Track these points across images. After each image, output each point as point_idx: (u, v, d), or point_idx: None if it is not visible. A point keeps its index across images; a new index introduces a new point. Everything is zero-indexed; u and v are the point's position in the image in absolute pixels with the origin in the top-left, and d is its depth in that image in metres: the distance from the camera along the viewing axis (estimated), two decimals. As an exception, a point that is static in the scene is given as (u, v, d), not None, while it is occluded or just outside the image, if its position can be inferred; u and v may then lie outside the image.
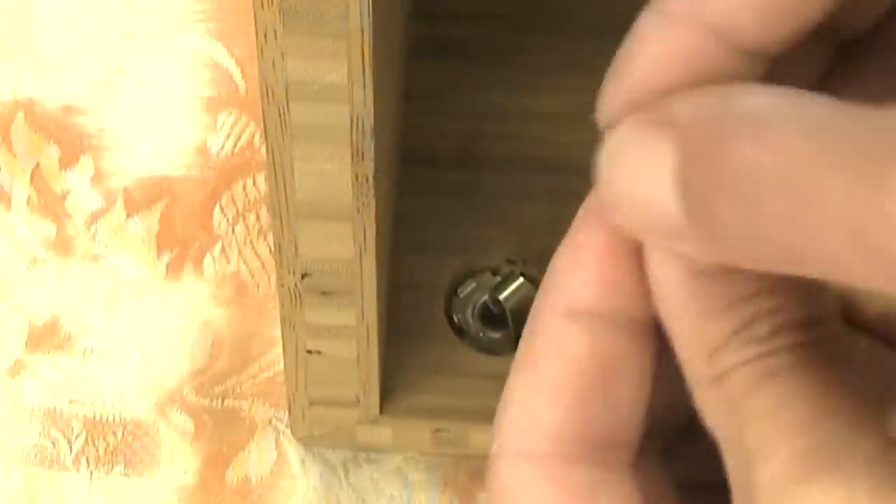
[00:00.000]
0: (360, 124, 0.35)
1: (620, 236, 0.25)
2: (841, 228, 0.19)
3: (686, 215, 0.22)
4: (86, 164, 0.59)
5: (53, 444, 0.54)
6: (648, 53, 0.25)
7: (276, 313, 0.50)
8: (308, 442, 0.54)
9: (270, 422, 0.55)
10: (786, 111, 0.21)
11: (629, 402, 0.26)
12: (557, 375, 0.25)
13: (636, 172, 0.22)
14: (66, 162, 0.59)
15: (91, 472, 0.54)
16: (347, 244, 0.40)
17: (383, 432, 0.52)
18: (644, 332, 0.25)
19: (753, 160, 0.20)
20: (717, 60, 0.24)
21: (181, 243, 0.58)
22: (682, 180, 0.22)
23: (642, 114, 0.23)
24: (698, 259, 0.23)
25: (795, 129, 0.20)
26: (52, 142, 0.59)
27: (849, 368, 0.23)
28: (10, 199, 0.58)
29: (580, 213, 0.26)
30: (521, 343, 0.26)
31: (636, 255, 0.25)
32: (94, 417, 0.54)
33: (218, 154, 0.59)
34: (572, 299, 0.25)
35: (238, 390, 0.55)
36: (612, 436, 0.26)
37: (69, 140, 0.60)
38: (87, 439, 0.54)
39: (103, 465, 0.54)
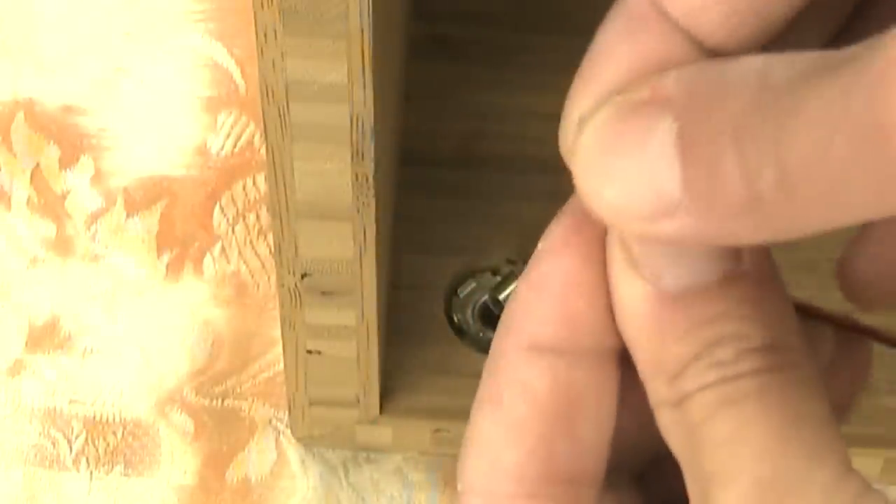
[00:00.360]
0: (360, 124, 0.35)
1: (581, 268, 0.25)
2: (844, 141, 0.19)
3: (684, 185, 0.21)
4: (86, 164, 0.59)
5: (53, 444, 0.54)
6: (615, 56, 0.24)
7: (276, 313, 0.50)
8: (308, 442, 0.54)
9: (270, 422, 0.55)
10: (776, 64, 0.20)
11: (594, 435, 0.26)
12: (521, 415, 0.25)
13: (626, 150, 0.22)
14: (66, 162, 0.59)
15: (91, 472, 0.54)
16: (347, 244, 0.40)
17: (383, 432, 0.52)
18: (608, 363, 0.25)
19: (751, 106, 0.20)
20: (684, 60, 0.23)
21: (181, 243, 0.58)
22: (681, 147, 0.21)
23: (619, 96, 0.23)
24: (688, 239, 0.22)
25: (788, 71, 0.20)
26: (52, 142, 0.59)
27: (809, 395, 0.23)
28: (10, 199, 0.58)
29: (539, 246, 0.25)
30: (484, 378, 0.26)
31: (597, 287, 0.24)
32: (94, 417, 0.54)
33: (218, 154, 0.59)
34: (534, 336, 0.25)
35: (238, 390, 0.55)
36: (577, 470, 0.26)
37: (69, 140, 0.60)
38: (87, 439, 0.54)
39: (103, 465, 0.54)
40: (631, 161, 0.22)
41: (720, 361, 0.23)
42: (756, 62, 0.21)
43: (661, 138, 0.21)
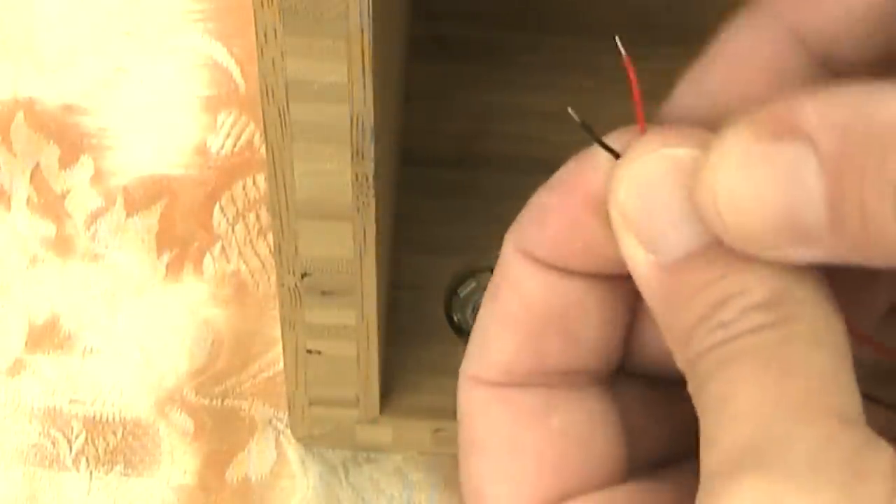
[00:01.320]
0: (360, 124, 0.35)
1: (586, 206, 0.25)
2: None
3: (831, 226, 0.22)
4: (86, 163, 0.59)
5: (53, 443, 0.54)
6: (729, 56, 0.25)
7: (276, 313, 0.50)
8: (308, 442, 0.54)
9: (270, 422, 0.55)
10: None
11: (593, 335, 0.26)
12: (512, 311, 0.26)
13: (766, 180, 0.22)
14: (66, 162, 0.59)
15: (91, 472, 0.54)
16: (347, 244, 0.40)
17: (383, 432, 0.52)
18: (610, 280, 0.26)
19: None
20: (799, 69, 0.24)
21: (181, 243, 0.58)
22: (830, 189, 0.21)
23: (755, 124, 0.22)
24: (818, 263, 0.23)
25: None
26: (52, 141, 0.59)
27: (810, 348, 0.23)
28: (10, 199, 0.58)
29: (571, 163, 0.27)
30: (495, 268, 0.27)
31: (599, 223, 0.25)
32: (94, 417, 0.54)
33: (218, 154, 0.59)
34: (532, 246, 0.26)
35: (238, 390, 0.55)
36: (571, 367, 0.26)
37: (69, 140, 0.60)
38: (87, 439, 0.54)
39: (103, 465, 0.54)
40: (771, 191, 0.22)
41: (722, 322, 0.23)
42: None
43: (806, 175, 0.22)
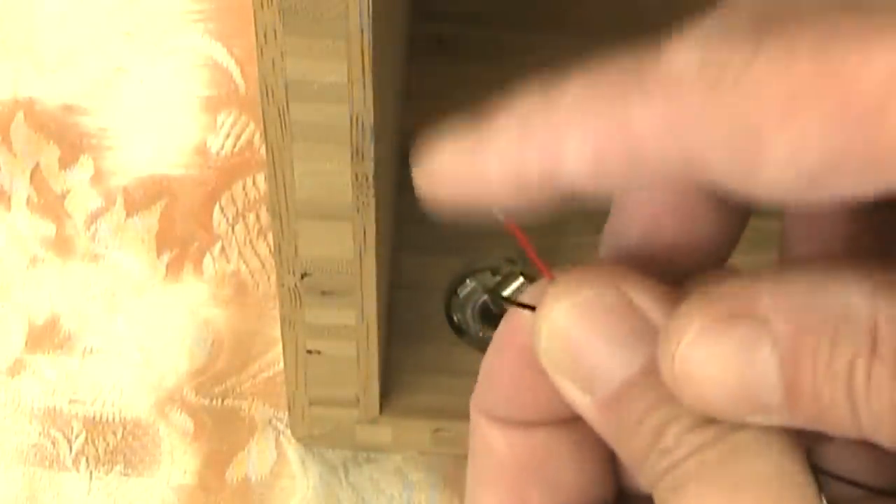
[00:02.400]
0: (359, 124, 0.35)
1: (524, 364, 0.26)
2: None
3: (787, 401, 0.23)
4: (86, 163, 0.59)
5: (53, 443, 0.54)
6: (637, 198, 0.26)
7: (276, 313, 0.50)
8: (308, 442, 0.54)
9: (270, 422, 0.55)
10: (885, 309, 0.22)
11: (574, 480, 0.27)
12: (488, 471, 0.27)
13: (725, 358, 0.23)
14: (66, 162, 0.59)
15: (91, 472, 0.54)
16: (347, 244, 0.40)
17: (383, 432, 0.52)
18: (565, 425, 0.27)
19: (863, 367, 0.22)
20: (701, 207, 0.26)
21: (181, 243, 0.58)
22: (786, 370, 0.23)
23: (712, 302, 0.24)
24: (784, 425, 0.24)
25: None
26: (52, 141, 0.59)
27: (752, 457, 0.23)
28: (10, 199, 0.58)
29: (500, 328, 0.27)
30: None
31: (538, 377, 0.26)
32: (94, 417, 0.54)
33: (218, 154, 0.59)
34: (488, 408, 0.27)
35: (238, 390, 0.55)
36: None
37: (69, 140, 0.60)
38: (87, 439, 0.54)
39: (103, 465, 0.54)
40: (728, 367, 0.23)
41: (666, 449, 0.24)
42: (865, 307, 0.22)
43: (760, 354, 0.23)
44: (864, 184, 0.22)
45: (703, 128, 0.23)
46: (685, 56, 0.23)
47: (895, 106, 0.22)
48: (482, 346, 0.52)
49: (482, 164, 0.25)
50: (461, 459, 0.54)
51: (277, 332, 0.54)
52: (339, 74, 0.33)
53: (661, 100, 0.23)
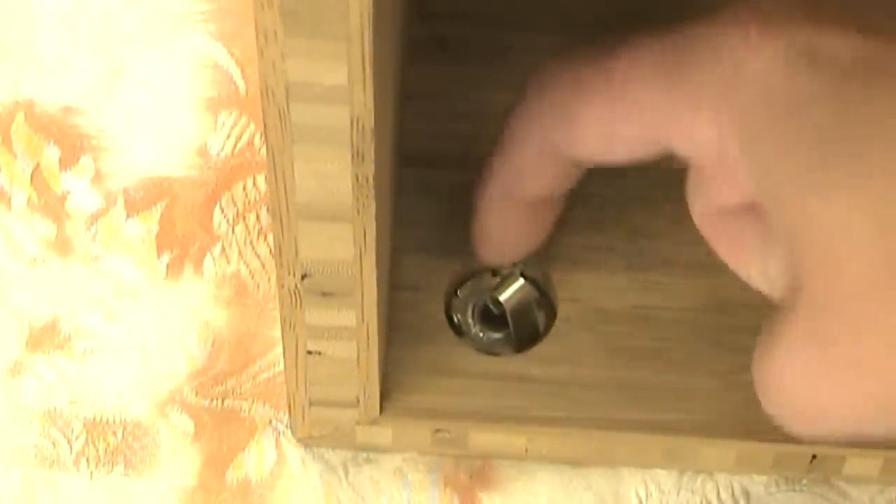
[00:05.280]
0: (360, 126, 0.35)
1: None
2: None
3: None
4: (86, 164, 0.59)
5: (53, 444, 0.54)
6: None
7: (277, 314, 0.50)
8: (308, 442, 0.54)
9: (270, 422, 0.55)
10: None
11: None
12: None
13: None
14: (66, 162, 0.59)
15: (91, 473, 0.54)
16: (347, 245, 0.40)
17: (383, 432, 0.52)
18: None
19: None
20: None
21: (181, 244, 0.58)
22: None
23: None
24: None
25: None
26: (52, 142, 0.60)
27: None
28: (9, 200, 0.58)
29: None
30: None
31: None
32: (95, 418, 0.54)
33: (218, 154, 0.59)
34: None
35: (238, 391, 0.55)
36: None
37: (69, 141, 0.60)
38: (87, 440, 0.54)
39: (103, 466, 0.54)
40: None
41: None
42: None
43: None
44: None
45: None
46: None
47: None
48: (482, 346, 0.52)
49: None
50: (461, 459, 0.54)
51: (278, 333, 0.54)
52: (340, 76, 0.33)
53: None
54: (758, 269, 0.34)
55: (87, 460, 0.54)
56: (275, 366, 0.55)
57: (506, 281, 0.52)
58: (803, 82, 0.29)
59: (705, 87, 0.32)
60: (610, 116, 0.36)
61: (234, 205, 0.58)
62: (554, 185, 0.42)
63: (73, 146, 0.60)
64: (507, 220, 0.45)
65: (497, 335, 0.52)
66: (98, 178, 0.59)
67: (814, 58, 0.29)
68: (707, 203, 0.35)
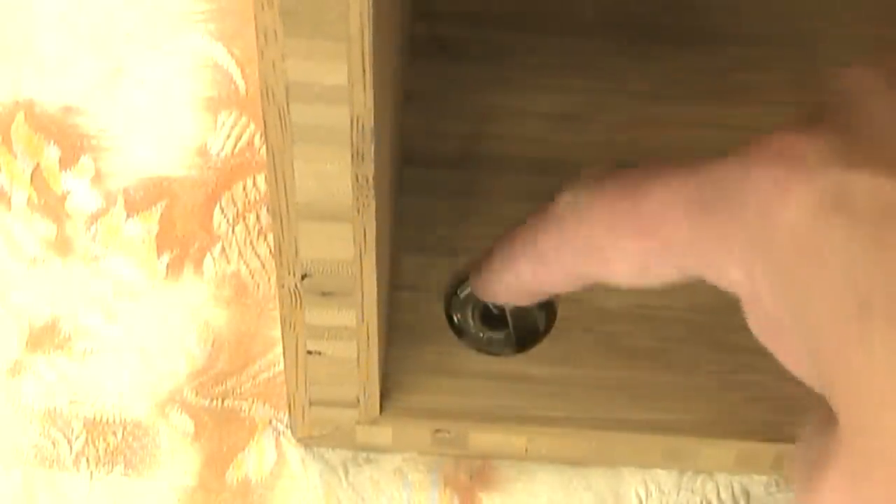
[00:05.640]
0: (360, 126, 0.35)
1: None
2: None
3: None
4: (86, 164, 0.59)
5: (53, 444, 0.54)
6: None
7: (277, 314, 0.50)
8: (308, 442, 0.54)
9: (270, 422, 0.55)
10: None
11: None
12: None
13: None
14: (66, 162, 0.59)
15: (91, 473, 0.54)
16: (347, 245, 0.40)
17: (383, 432, 0.52)
18: None
19: None
20: None
21: (181, 244, 0.58)
22: None
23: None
24: None
25: None
26: (52, 142, 0.60)
27: None
28: (9, 200, 0.58)
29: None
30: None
31: None
32: (95, 418, 0.54)
33: (218, 154, 0.59)
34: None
35: (238, 391, 0.55)
36: None
37: (69, 141, 0.60)
38: (87, 440, 0.54)
39: (103, 466, 0.54)
40: None
41: None
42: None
43: None
44: None
45: None
46: None
47: None
48: (482, 346, 0.52)
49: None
50: (461, 459, 0.54)
51: (278, 333, 0.54)
52: (340, 76, 0.33)
53: None
54: (808, 370, 0.34)
55: (87, 460, 0.54)
56: (275, 366, 0.55)
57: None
58: (835, 228, 0.29)
59: (735, 232, 0.32)
60: (643, 254, 0.35)
61: (234, 205, 0.58)
62: (570, 290, 0.42)
63: (73, 146, 0.60)
64: (510, 292, 0.45)
65: (497, 335, 0.52)
66: (98, 178, 0.59)
67: (845, 202, 0.29)
68: (755, 319, 0.34)
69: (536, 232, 0.40)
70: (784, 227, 0.30)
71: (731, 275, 0.33)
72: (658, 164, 0.36)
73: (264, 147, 0.39)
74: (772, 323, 0.33)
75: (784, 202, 0.30)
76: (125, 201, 0.58)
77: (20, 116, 0.60)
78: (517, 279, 0.42)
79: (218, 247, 0.58)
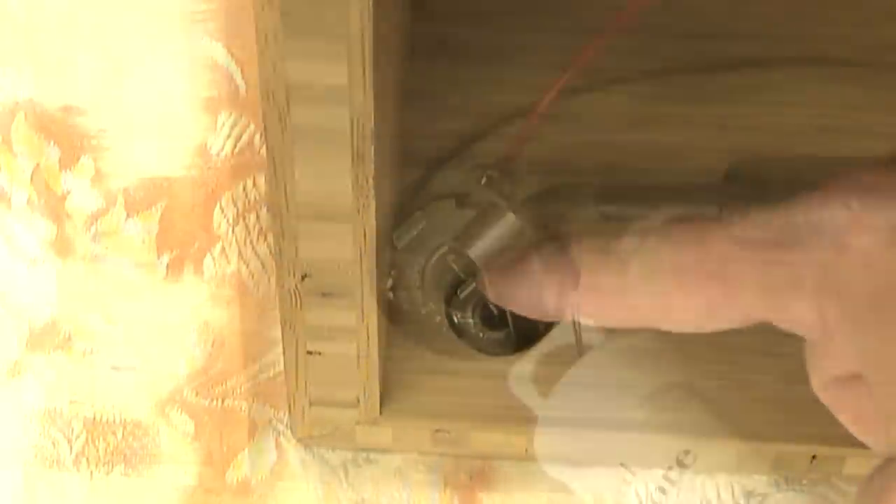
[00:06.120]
0: (360, 126, 0.35)
1: None
2: None
3: None
4: (86, 164, 0.59)
5: (53, 444, 0.54)
6: None
7: (277, 314, 0.50)
8: (308, 442, 0.54)
9: (270, 422, 0.55)
10: None
11: None
12: None
13: None
14: (67, 162, 0.59)
15: (91, 473, 0.54)
16: (347, 245, 0.40)
17: (383, 432, 0.52)
18: None
19: None
20: None
21: (181, 244, 0.58)
22: None
23: None
24: None
25: None
26: (52, 142, 0.60)
27: None
28: (9, 200, 0.58)
29: None
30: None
31: None
32: (95, 418, 0.55)
33: (218, 155, 0.59)
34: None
35: (238, 391, 0.55)
36: None
37: (69, 140, 0.60)
38: (87, 440, 0.54)
39: (103, 466, 0.54)
40: None
41: None
42: None
43: None
44: None
45: None
46: None
47: None
48: (482, 346, 0.52)
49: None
50: (461, 459, 0.54)
51: (278, 333, 0.54)
52: (340, 77, 0.33)
53: None
54: (881, 436, 0.34)
55: (87, 460, 0.54)
56: (275, 366, 0.55)
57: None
58: None
59: (807, 267, 0.32)
60: (709, 301, 0.35)
61: (234, 205, 0.58)
62: (615, 327, 0.42)
63: (73, 146, 0.60)
64: (536, 310, 0.44)
65: (497, 335, 0.52)
66: (98, 178, 0.59)
67: None
68: (822, 374, 0.34)
69: (598, 272, 0.39)
70: (857, 256, 0.30)
71: (801, 314, 0.33)
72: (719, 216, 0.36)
73: (264, 147, 0.39)
74: (839, 371, 0.33)
75: (858, 231, 0.30)
76: (125, 201, 0.58)
77: (20, 116, 0.60)
78: (555, 301, 0.41)
79: (218, 247, 0.58)
